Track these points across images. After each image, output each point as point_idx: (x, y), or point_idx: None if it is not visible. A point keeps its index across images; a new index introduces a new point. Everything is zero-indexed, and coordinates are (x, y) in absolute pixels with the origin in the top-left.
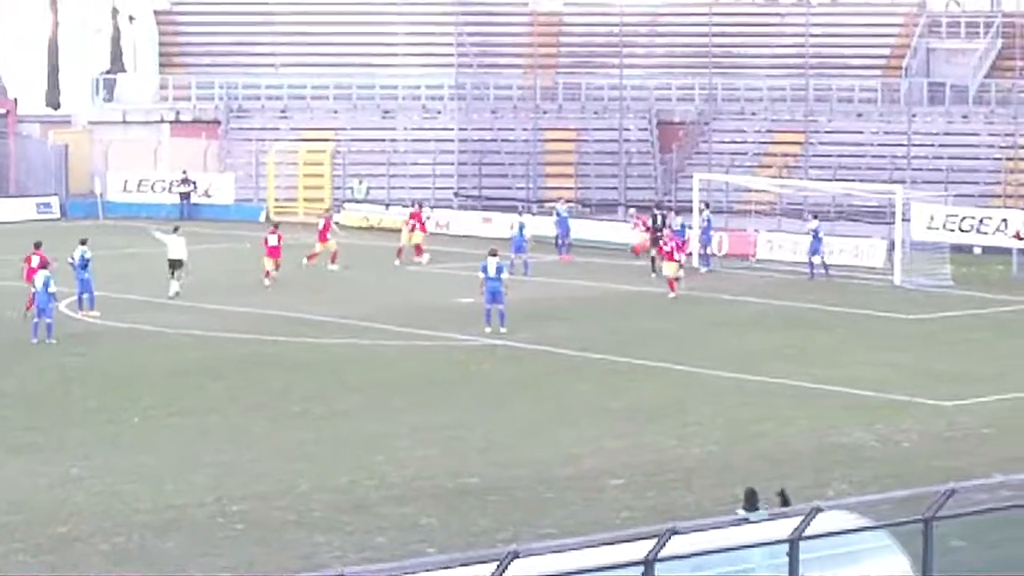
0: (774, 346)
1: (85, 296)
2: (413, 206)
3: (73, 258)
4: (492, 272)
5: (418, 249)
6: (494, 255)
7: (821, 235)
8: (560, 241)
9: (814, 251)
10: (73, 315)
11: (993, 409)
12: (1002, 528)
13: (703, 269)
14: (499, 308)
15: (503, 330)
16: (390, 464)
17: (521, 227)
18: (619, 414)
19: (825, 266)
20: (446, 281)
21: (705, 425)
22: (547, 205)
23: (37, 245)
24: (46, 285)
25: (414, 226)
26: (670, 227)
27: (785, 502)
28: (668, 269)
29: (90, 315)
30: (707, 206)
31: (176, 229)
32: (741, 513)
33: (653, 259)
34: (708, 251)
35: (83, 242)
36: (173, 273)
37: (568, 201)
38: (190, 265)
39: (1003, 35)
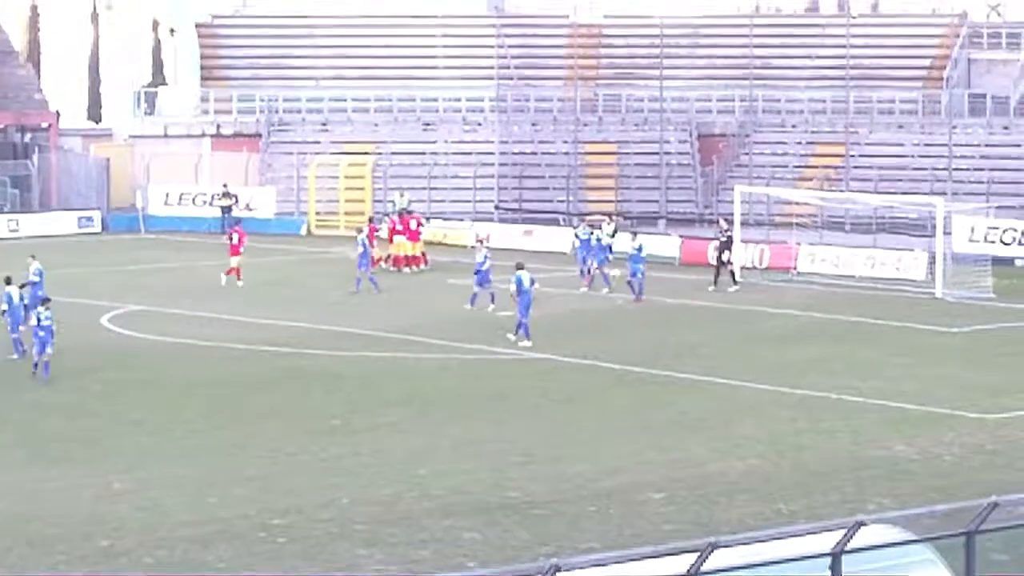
0: (815, 359)
1: None
2: (393, 212)
3: None
4: (527, 284)
5: (425, 257)
6: (521, 268)
7: (593, 244)
8: (581, 266)
9: (600, 261)
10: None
11: None
12: None
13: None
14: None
15: (510, 337)
16: (432, 477)
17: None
18: (660, 427)
19: (604, 276)
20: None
21: (747, 438)
22: (588, 219)
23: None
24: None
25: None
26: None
27: None
28: None
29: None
30: (634, 235)
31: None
32: None
33: (719, 269)
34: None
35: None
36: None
37: (591, 224)
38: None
39: None
